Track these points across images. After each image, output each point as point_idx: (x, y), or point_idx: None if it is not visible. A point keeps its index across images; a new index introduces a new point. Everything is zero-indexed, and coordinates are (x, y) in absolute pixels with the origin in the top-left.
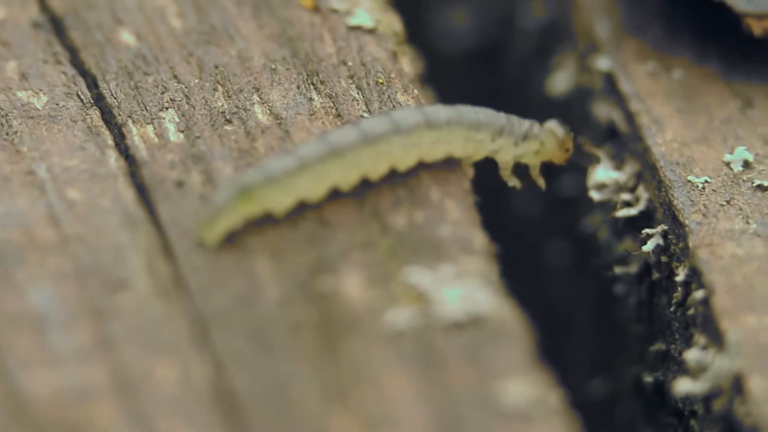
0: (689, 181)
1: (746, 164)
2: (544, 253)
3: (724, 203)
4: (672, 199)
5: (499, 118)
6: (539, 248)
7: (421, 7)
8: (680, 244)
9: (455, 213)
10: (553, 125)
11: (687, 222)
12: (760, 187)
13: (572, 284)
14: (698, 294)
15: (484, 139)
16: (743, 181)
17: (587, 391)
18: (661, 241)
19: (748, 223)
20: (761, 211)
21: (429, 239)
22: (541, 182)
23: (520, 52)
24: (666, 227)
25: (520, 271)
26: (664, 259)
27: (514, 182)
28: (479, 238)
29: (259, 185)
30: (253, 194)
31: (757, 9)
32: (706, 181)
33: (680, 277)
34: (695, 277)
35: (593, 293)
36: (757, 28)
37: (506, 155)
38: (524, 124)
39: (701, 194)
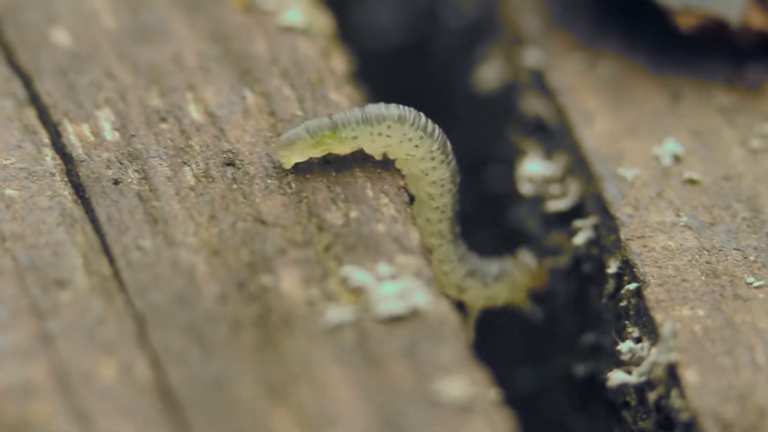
0: (619, 174)
1: (676, 157)
2: (473, 247)
3: (655, 196)
4: (602, 191)
5: (471, 262)
6: (468, 242)
7: (346, 5)
8: (611, 237)
9: (391, 210)
10: (524, 257)
11: (618, 215)
12: (689, 179)
13: None
14: (631, 286)
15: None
16: (673, 174)
17: (517, 384)
18: (591, 234)
19: (678, 215)
20: (691, 204)
21: (365, 237)
22: (528, 305)
23: (446, 48)
24: (596, 220)
25: None
26: (594, 251)
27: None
28: (415, 236)
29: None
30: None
31: (683, 3)
32: (637, 174)
33: (612, 269)
34: (627, 269)
35: None
36: (683, 22)
37: (477, 299)
38: (493, 266)
39: (631, 187)
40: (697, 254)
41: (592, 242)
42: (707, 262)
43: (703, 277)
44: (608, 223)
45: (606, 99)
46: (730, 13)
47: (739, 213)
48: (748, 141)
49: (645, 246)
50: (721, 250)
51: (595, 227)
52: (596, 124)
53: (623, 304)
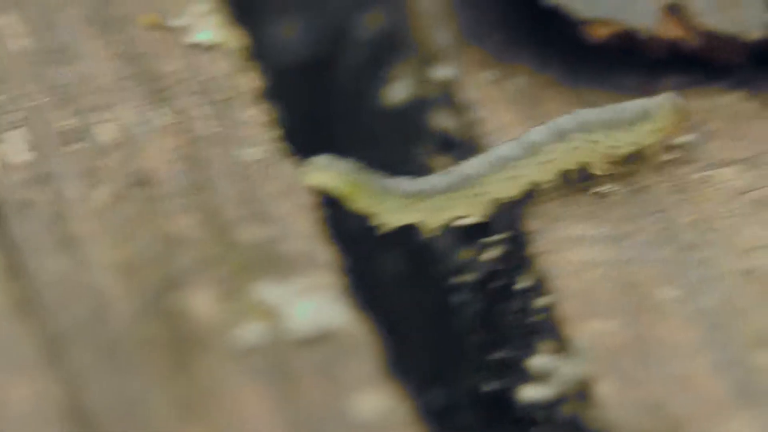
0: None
1: (586, 171)
2: (380, 264)
3: (567, 209)
4: (513, 205)
5: (605, 111)
6: (374, 259)
7: (254, 21)
8: (522, 251)
9: (303, 227)
10: (667, 97)
11: (529, 229)
12: (600, 192)
13: (409, 295)
14: (542, 300)
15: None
16: (584, 186)
17: (425, 402)
18: (502, 249)
19: (590, 228)
20: (603, 217)
21: (277, 254)
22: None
23: (355, 63)
24: (507, 234)
25: (354, 282)
26: (504, 266)
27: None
28: (327, 252)
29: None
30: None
31: (597, 15)
32: (547, 188)
33: (522, 284)
34: (538, 283)
35: (430, 303)
36: (596, 33)
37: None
38: (632, 107)
39: (543, 201)
40: (609, 267)
41: (502, 257)
42: (620, 275)
43: (616, 290)
44: (519, 237)
45: (518, 113)
46: (642, 24)
47: (651, 225)
48: (660, 152)
49: (557, 260)
50: (633, 263)
51: (506, 242)
52: (509, 138)
53: (534, 319)
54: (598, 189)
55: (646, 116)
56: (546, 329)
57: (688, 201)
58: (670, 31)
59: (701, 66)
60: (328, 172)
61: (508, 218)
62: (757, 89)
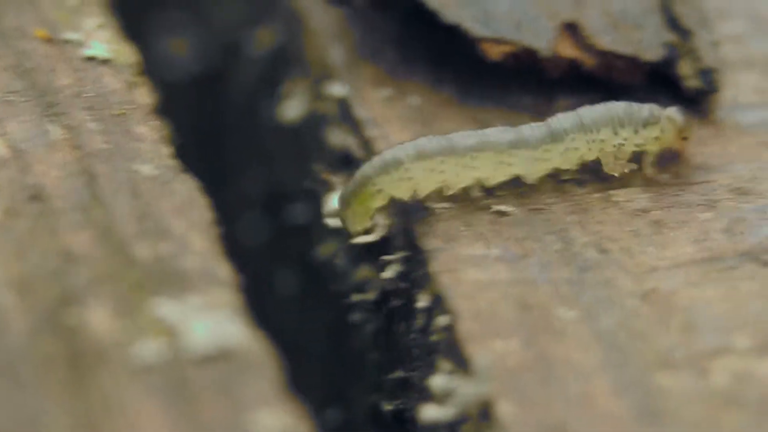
0: (428, 206)
1: (485, 190)
2: (275, 282)
3: (465, 228)
4: (412, 224)
5: (617, 109)
6: (269, 277)
7: (145, 36)
8: (421, 270)
9: (200, 244)
10: (672, 112)
11: (427, 248)
12: (499, 211)
13: (306, 313)
14: (441, 320)
15: (607, 137)
16: (483, 205)
17: (324, 421)
18: (401, 268)
19: (489, 248)
20: (502, 236)
21: (175, 271)
22: (651, 171)
23: (248, 79)
24: (406, 253)
25: (252, 300)
26: (404, 285)
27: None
28: (225, 269)
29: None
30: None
31: (493, 33)
32: (446, 207)
33: (422, 303)
34: (438, 303)
35: (328, 322)
36: (493, 52)
37: (629, 146)
38: (644, 110)
39: (441, 220)
40: (509, 287)
41: (401, 276)
42: (519, 295)
43: (515, 310)
44: (418, 256)
45: (414, 130)
46: (539, 43)
47: (551, 245)
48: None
49: (456, 279)
50: (533, 283)
51: (405, 261)
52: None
53: (434, 338)
54: (497, 208)
55: (656, 122)
56: (446, 349)
57: (588, 221)
58: (567, 50)
59: (599, 86)
60: (350, 215)
61: (408, 237)
62: None
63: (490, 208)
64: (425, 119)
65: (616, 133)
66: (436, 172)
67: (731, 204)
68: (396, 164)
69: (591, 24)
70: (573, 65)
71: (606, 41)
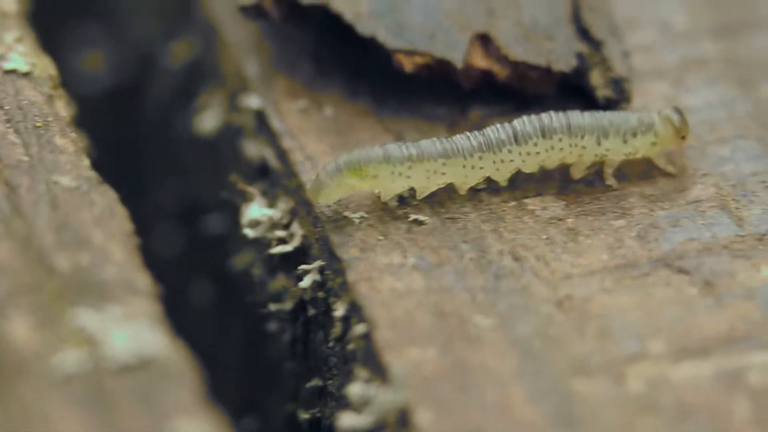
0: (345, 216)
1: (401, 199)
2: (192, 293)
3: (382, 238)
4: (328, 234)
5: (602, 119)
6: (186, 288)
7: (64, 50)
8: (338, 280)
9: (119, 255)
10: (668, 113)
11: (344, 257)
12: (415, 221)
13: (222, 323)
14: (359, 328)
15: (589, 144)
16: (399, 215)
17: (242, 429)
18: (317, 277)
19: (406, 257)
20: (418, 245)
21: (94, 281)
22: (671, 169)
23: (163, 92)
24: (323, 263)
25: (170, 310)
26: (321, 294)
27: (612, 182)
28: (144, 280)
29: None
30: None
31: (407, 45)
32: (363, 216)
33: (339, 312)
34: (355, 311)
35: (245, 332)
36: (407, 63)
37: (616, 156)
38: (632, 119)
39: (358, 229)
40: (425, 295)
41: (318, 285)
42: (436, 303)
43: (431, 318)
44: (335, 265)
45: (330, 142)
46: (452, 55)
47: (466, 253)
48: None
49: (373, 288)
50: (449, 291)
51: (322, 270)
52: (320, 167)
53: (351, 347)
54: (413, 217)
55: (648, 128)
56: (363, 357)
57: (503, 230)
58: (480, 61)
59: (512, 96)
60: (326, 190)
61: (324, 246)
62: None
63: (407, 217)
64: (341, 130)
65: (599, 143)
66: (438, 174)
67: (644, 211)
68: (402, 160)
69: (503, 35)
70: (486, 76)
71: (518, 52)
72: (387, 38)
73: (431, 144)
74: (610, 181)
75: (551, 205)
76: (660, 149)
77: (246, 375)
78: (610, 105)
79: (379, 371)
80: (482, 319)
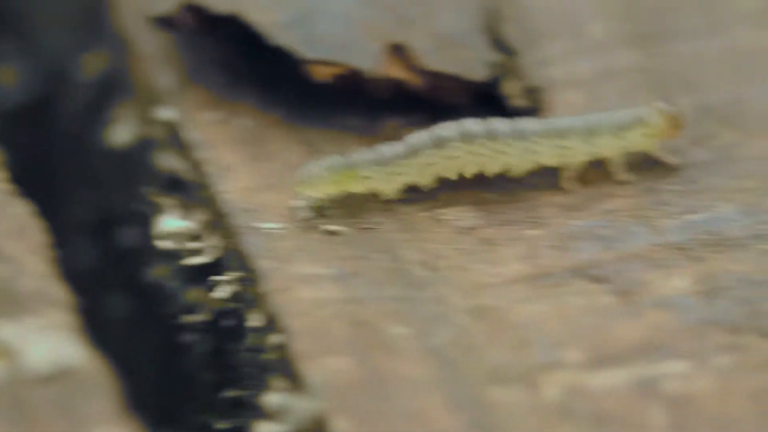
0: (260, 227)
1: (316, 209)
2: (106, 305)
3: (296, 248)
4: (243, 245)
5: (586, 119)
6: (101, 300)
7: None
8: (253, 290)
9: (36, 267)
10: (660, 104)
11: (259, 268)
12: (330, 231)
13: (137, 335)
14: (274, 338)
15: (575, 145)
16: (314, 225)
17: None
18: (233, 288)
19: (321, 267)
20: (333, 255)
21: (12, 293)
22: (673, 160)
23: (76, 104)
24: (238, 274)
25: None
26: (236, 305)
27: (624, 177)
28: (61, 291)
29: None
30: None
31: (319, 55)
32: (277, 227)
33: (254, 322)
34: (270, 321)
35: (160, 343)
36: (319, 73)
37: (610, 152)
38: (621, 114)
39: (273, 240)
40: (341, 305)
41: (233, 296)
42: (351, 313)
43: (347, 328)
44: (250, 276)
45: (243, 153)
46: (365, 64)
47: (381, 263)
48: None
49: (288, 298)
50: (364, 301)
51: (237, 281)
52: (234, 178)
53: (267, 357)
54: (328, 227)
55: (639, 121)
56: (279, 367)
57: (417, 239)
58: (394, 71)
59: (426, 106)
60: (316, 183)
61: (239, 257)
62: None
63: (321, 227)
64: (255, 141)
65: (585, 142)
66: (431, 166)
67: (560, 221)
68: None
69: (417, 44)
70: (400, 86)
71: (432, 61)
72: (300, 48)
73: (423, 137)
74: (623, 176)
75: (466, 214)
76: (654, 141)
77: (163, 386)
78: (524, 115)
79: (295, 381)
80: (398, 328)
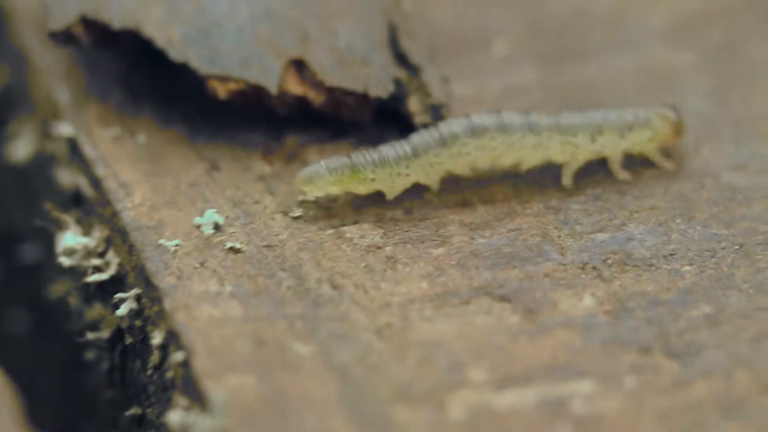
0: (161, 244)
1: (217, 226)
2: (7, 322)
3: (198, 266)
4: (144, 262)
5: (596, 116)
6: (1, 317)
7: None
8: (155, 308)
9: None
10: (664, 110)
11: (161, 285)
12: (232, 249)
13: (39, 351)
14: (177, 356)
15: (583, 142)
16: (215, 243)
17: None
18: (134, 305)
19: (223, 285)
20: (235, 273)
21: None
22: (667, 165)
23: None
24: (139, 291)
25: None
26: (138, 323)
27: (624, 176)
28: None
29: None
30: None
31: (220, 71)
32: (179, 244)
33: (157, 340)
34: (173, 339)
35: (62, 360)
36: (221, 90)
37: (614, 151)
38: (627, 115)
39: (174, 257)
40: (243, 323)
41: (135, 314)
42: (254, 331)
43: (250, 346)
44: (151, 293)
45: (144, 169)
46: (266, 81)
47: (284, 281)
48: (289, 209)
49: (190, 316)
50: (267, 319)
51: (138, 298)
52: (135, 194)
53: (170, 374)
54: (230, 245)
55: (645, 124)
56: (182, 385)
57: (321, 257)
58: (295, 87)
59: (328, 122)
60: (319, 182)
61: (141, 274)
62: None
63: (223, 244)
64: (154, 158)
65: (593, 140)
66: (435, 165)
67: (464, 239)
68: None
69: (318, 61)
70: (301, 102)
71: (334, 78)
72: (200, 64)
73: (426, 137)
74: (622, 175)
75: (369, 233)
76: (656, 145)
77: (65, 403)
78: None
79: (198, 399)
80: (301, 346)
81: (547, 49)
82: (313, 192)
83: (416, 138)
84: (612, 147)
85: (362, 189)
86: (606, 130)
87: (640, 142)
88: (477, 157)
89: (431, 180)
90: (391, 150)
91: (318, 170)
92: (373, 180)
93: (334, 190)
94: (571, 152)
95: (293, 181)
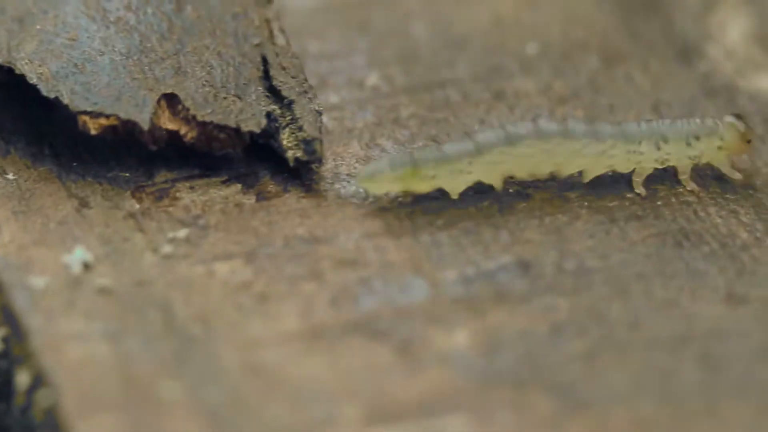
0: (28, 283)
1: (86, 265)
2: None
3: (67, 305)
4: (11, 301)
5: (659, 125)
6: None
7: None
8: (22, 348)
9: None
10: (732, 119)
11: (28, 324)
12: (101, 287)
13: None
14: (45, 397)
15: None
16: (84, 282)
17: None
18: (1, 346)
19: (92, 324)
20: (104, 312)
21: None
22: (738, 176)
23: None
24: (6, 331)
25: None
26: (3, 364)
27: (692, 187)
28: None
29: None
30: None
31: (92, 107)
32: (47, 283)
33: (23, 380)
34: (39, 380)
35: None
36: (92, 126)
37: (680, 160)
38: (694, 123)
39: (43, 296)
40: (112, 362)
41: (2, 354)
42: (122, 370)
43: (120, 385)
44: (18, 333)
45: (12, 207)
46: (138, 116)
47: (153, 320)
48: (159, 247)
49: (58, 356)
50: (135, 358)
51: (5, 339)
52: (3, 233)
53: (37, 416)
54: (98, 282)
55: (713, 133)
56: (49, 426)
57: (191, 295)
58: (167, 122)
59: (200, 157)
60: (380, 179)
61: (7, 313)
62: (252, 183)
63: (93, 282)
64: (22, 196)
65: (659, 148)
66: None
67: (336, 274)
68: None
69: (191, 95)
70: (174, 137)
71: (206, 112)
72: (72, 99)
73: (492, 135)
74: (691, 186)
75: (241, 269)
76: (726, 155)
77: None
78: (301, 166)
79: None
80: (171, 386)
81: (417, 80)
82: (374, 190)
83: (481, 136)
84: (677, 155)
85: (424, 187)
86: (671, 138)
87: (709, 150)
88: (540, 161)
89: (494, 179)
90: (454, 147)
91: (380, 167)
92: (434, 177)
93: (395, 188)
94: (636, 160)
95: (358, 182)
